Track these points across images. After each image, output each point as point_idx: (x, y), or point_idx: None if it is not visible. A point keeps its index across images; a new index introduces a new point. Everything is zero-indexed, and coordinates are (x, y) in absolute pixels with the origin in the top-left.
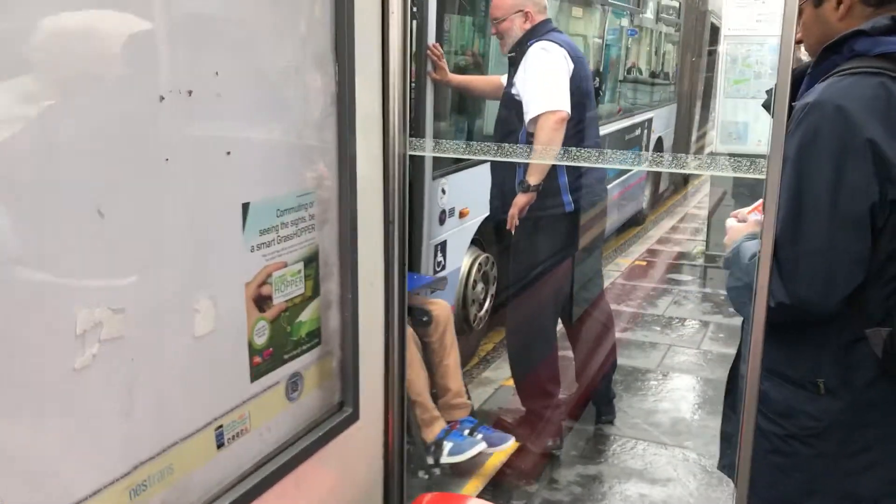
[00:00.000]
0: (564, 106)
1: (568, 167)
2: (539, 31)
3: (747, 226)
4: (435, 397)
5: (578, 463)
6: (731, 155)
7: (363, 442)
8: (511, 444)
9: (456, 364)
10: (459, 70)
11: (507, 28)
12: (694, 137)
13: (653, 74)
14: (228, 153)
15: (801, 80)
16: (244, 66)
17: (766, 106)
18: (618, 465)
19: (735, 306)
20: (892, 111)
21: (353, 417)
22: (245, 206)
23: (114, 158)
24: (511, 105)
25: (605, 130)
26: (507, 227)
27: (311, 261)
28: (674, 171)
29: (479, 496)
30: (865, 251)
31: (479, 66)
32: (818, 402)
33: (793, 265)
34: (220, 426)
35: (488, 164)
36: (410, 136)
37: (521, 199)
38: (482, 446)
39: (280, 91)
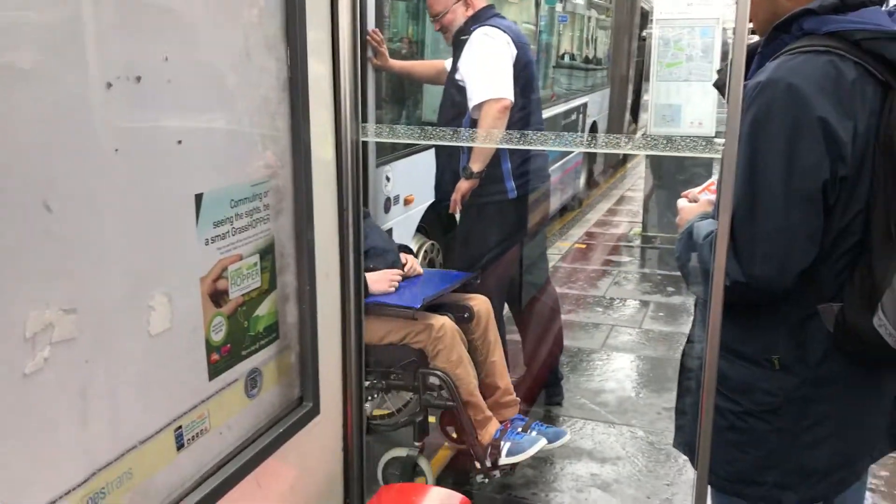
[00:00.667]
0: (508, 94)
1: (511, 154)
2: (482, 17)
3: (699, 205)
4: (482, 397)
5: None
6: (657, 137)
7: (323, 436)
8: (566, 438)
9: (502, 360)
10: (401, 56)
11: (450, 21)
12: (627, 120)
13: (586, 60)
14: (180, 142)
15: (751, 58)
16: (194, 51)
17: (718, 86)
18: (568, 445)
19: (689, 286)
20: (842, 89)
21: (314, 412)
22: (198, 198)
23: (60, 149)
24: (455, 90)
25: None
26: (450, 212)
27: (268, 253)
28: (631, 151)
29: (435, 484)
30: (819, 228)
31: (420, 52)
32: (773, 378)
33: (747, 244)
34: (180, 427)
35: (433, 150)
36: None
37: (463, 185)
38: (542, 442)
39: (231, 77)
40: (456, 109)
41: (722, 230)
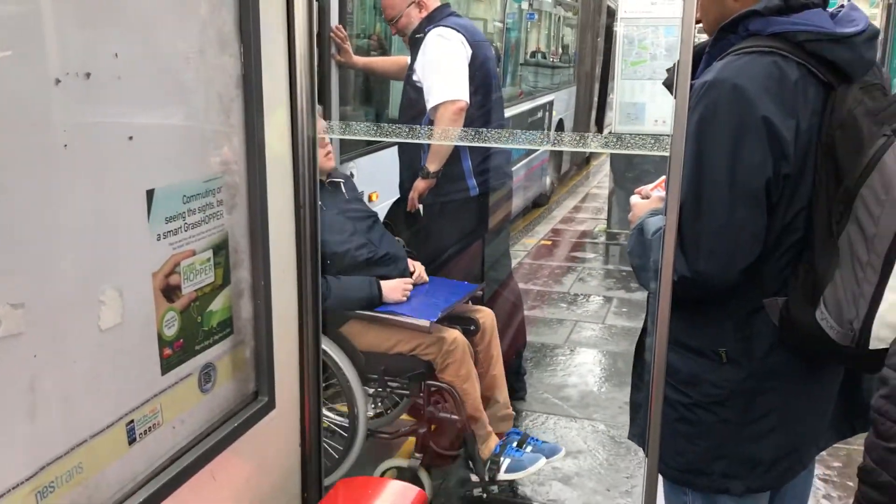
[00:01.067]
0: (463, 95)
1: (471, 152)
2: (436, 18)
3: (651, 202)
4: None
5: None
6: (622, 134)
7: (280, 431)
8: (562, 454)
9: (502, 374)
10: (364, 53)
11: (405, 24)
12: (594, 118)
13: (552, 57)
14: (131, 138)
15: (699, 58)
16: (146, 47)
17: (667, 84)
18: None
19: (640, 281)
20: (785, 89)
21: (269, 406)
22: (150, 193)
23: (7, 145)
24: (413, 91)
25: (508, 113)
26: (408, 210)
27: (221, 248)
28: (580, 149)
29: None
30: (762, 225)
31: (383, 49)
32: (720, 370)
33: (693, 240)
34: (132, 421)
35: (396, 147)
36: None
37: (420, 185)
38: (542, 461)
39: (184, 73)
40: (415, 109)
41: (670, 226)
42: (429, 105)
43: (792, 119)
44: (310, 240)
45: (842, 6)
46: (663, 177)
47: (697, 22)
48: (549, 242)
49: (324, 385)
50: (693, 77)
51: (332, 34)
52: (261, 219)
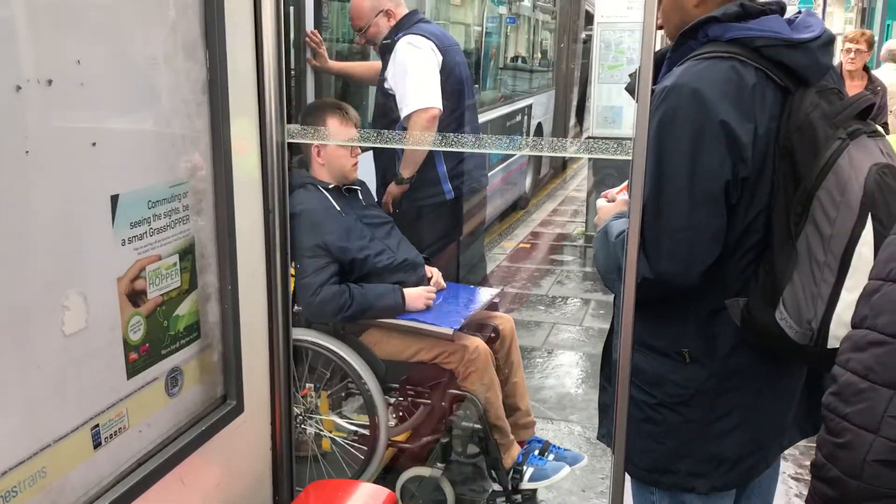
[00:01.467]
0: (436, 102)
1: (445, 157)
2: (405, 25)
3: (616, 205)
4: None
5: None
6: (600, 138)
7: (249, 434)
8: (584, 462)
9: (523, 381)
10: (347, 57)
11: (374, 33)
12: (573, 122)
13: (531, 61)
14: (94, 144)
15: (661, 64)
16: (109, 53)
17: (630, 89)
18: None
19: (605, 283)
20: (743, 94)
21: (238, 410)
22: (114, 199)
23: None
24: (386, 98)
25: (487, 117)
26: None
27: (187, 253)
28: (544, 153)
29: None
30: (722, 227)
31: (362, 54)
32: (684, 370)
33: (655, 242)
34: (97, 425)
35: (371, 151)
36: (290, 123)
37: (393, 190)
38: (566, 470)
39: (148, 79)
40: (388, 118)
41: (632, 229)
42: (402, 113)
43: (750, 123)
44: (279, 244)
45: (799, 12)
46: (628, 180)
47: (660, 28)
48: (528, 245)
49: (341, 394)
50: (655, 82)
51: (307, 38)
52: (228, 223)
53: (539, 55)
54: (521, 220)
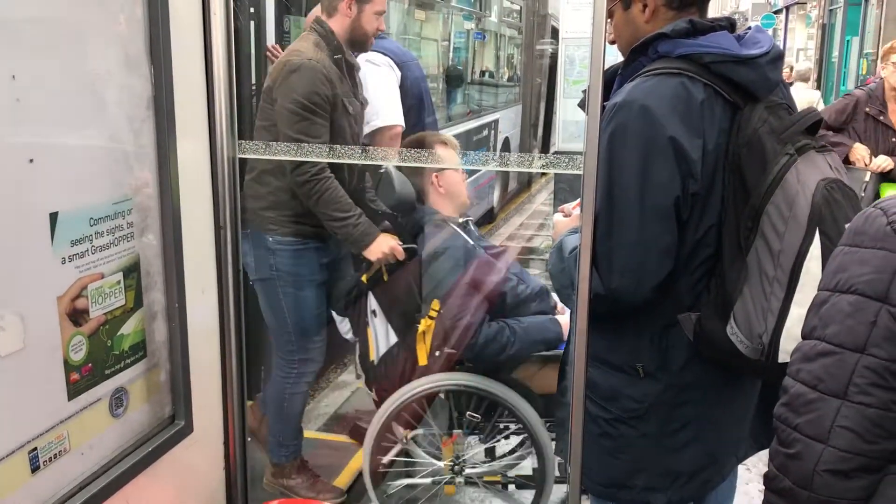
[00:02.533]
0: (398, 119)
1: None
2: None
3: (571, 220)
4: None
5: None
6: (565, 153)
7: (201, 454)
8: None
9: None
10: None
11: None
12: (540, 136)
13: (497, 76)
14: (31, 161)
15: (613, 80)
16: (47, 68)
17: (582, 105)
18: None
19: (560, 298)
20: (692, 110)
21: (186, 430)
22: (53, 216)
23: None
24: None
25: (454, 131)
26: None
27: (132, 271)
28: (499, 168)
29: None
30: (672, 242)
31: None
32: (638, 385)
33: (606, 257)
34: (35, 448)
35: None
36: (251, 139)
37: None
38: None
39: (89, 95)
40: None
41: (584, 244)
42: (364, 130)
43: (699, 139)
44: (231, 261)
45: (748, 28)
46: None
47: (612, 43)
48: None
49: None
50: (607, 98)
51: (266, 53)
52: (174, 240)
53: (506, 70)
54: (489, 233)
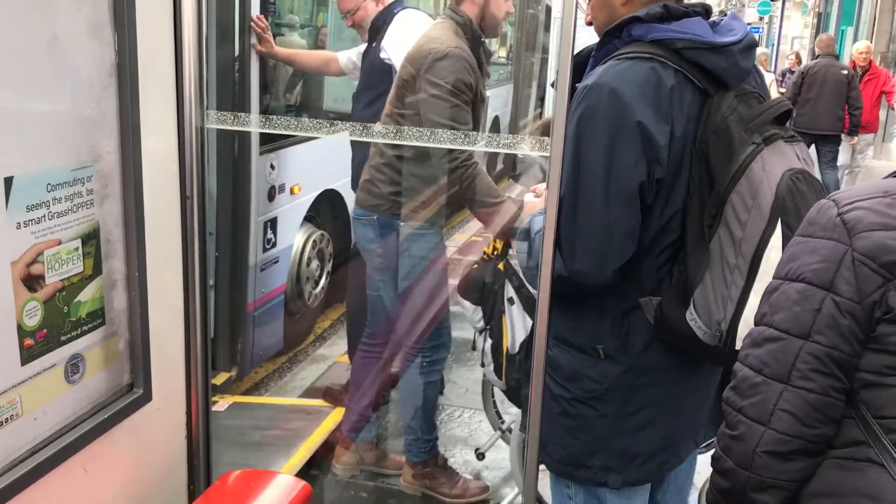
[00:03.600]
0: None
1: None
2: (394, 7)
3: (541, 201)
4: None
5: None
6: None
7: (161, 422)
8: None
9: None
10: (311, 47)
11: (362, 17)
12: (531, 116)
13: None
14: None
15: (587, 61)
16: (2, 30)
17: (555, 85)
18: (445, 433)
19: (527, 279)
20: (661, 95)
21: (145, 398)
22: (8, 181)
23: None
24: (378, 72)
25: None
26: None
27: (91, 238)
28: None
29: (305, 470)
30: (636, 226)
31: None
32: (599, 366)
33: (570, 238)
34: None
35: (321, 140)
36: (233, 110)
37: None
38: None
39: (48, 60)
40: (374, 91)
41: (549, 225)
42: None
43: (667, 125)
44: (198, 231)
45: (724, 15)
46: None
47: (589, 24)
48: (480, 238)
49: None
50: (580, 79)
51: (252, 23)
52: (136, 209)
53: (498, 48)
54: None
